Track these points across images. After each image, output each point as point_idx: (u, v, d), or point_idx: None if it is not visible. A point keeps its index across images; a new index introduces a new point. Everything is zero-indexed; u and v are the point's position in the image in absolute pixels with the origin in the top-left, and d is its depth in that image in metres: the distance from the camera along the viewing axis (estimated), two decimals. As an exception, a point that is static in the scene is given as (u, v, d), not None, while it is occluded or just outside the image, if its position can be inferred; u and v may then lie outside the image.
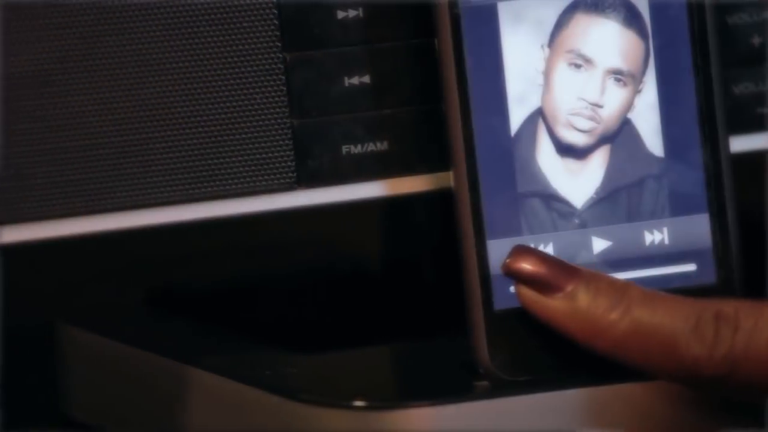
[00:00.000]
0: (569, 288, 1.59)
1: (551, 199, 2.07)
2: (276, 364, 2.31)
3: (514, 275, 1.69)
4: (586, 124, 2.08)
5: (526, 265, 1.69)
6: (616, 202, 2.06)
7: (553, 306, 1.52)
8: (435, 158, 2.35)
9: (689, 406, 1.92)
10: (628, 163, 2.09)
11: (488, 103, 2.04)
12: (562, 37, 2.08)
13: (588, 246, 2.06)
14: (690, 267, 2.06)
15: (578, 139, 2.10)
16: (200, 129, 2.28)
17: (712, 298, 1.58)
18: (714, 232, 2.00)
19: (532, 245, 2.02)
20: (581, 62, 2.08)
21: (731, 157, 2.11)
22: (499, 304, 1.97)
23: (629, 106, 2.11)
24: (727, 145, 2.10)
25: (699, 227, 1.99)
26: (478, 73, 2.04)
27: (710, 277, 2.02)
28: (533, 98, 2.07)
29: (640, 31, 2.09)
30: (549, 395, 1.96)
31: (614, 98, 2.09)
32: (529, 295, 1.68)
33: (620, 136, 2.09)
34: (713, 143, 2.03)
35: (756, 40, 2.48)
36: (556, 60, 2.08)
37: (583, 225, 2.05)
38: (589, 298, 1.57)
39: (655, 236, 2.11)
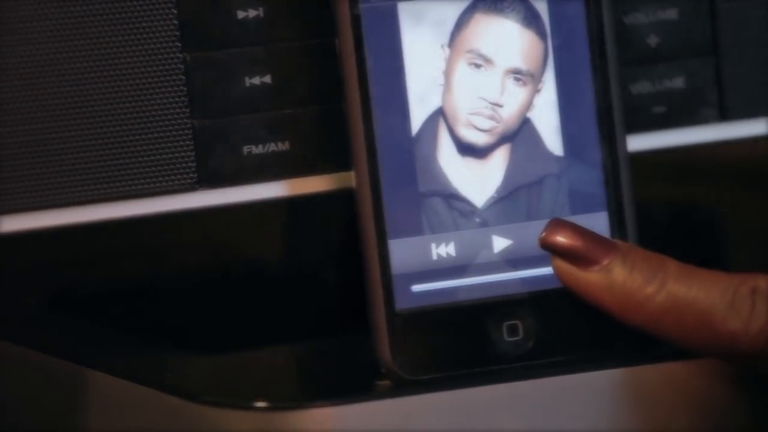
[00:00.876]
0: (605, 262, 1.57)
1: (452, 198, 2.07)
2: (177, 365, 2.29)
3: (550, 248, 1.69)
4: (486, 124, 2.09)
5: (562, 239, 1.67)
6: (516, 200, 2.08)
7: (588, 279, 1.52)
8: (336, 158, 2.35)
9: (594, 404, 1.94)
10: (528, 162, 2.10)
11: (389, 103, 2.04)
12: (462, 37, 2.09)
13: (489, 245, 2.07)
14: None
15: (479, 139, 2.11)
16: (100, 130, 2.25)
17: (749, 273, 1.60)
18: (612, 230, 2.03)
19: (433, 245, 2.03)
20: (481, 62, 2.09)
21: (629, 155, 2.14)
22: (401, 304, 1.98)
23: (529, 105, 2.13)
24: (624, 144, 2.12)
25: (598, 225, 2.01)
26: (378, 73, 2.05)
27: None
28: (434, 98, 2.07)
29: (539, 31, 2.10)
30: (450, 394, 1.97)
31: (514, 98, 2.11)
32: (565, 268, 1.66)
33: (520, 135, 2.10)
34: (611, 142, 2.05)
35: (652, 40, 2.52)
36: (456, 60, 2.09)
37: (484, 224, 2.06)
38: (625, 272, 1.55)
39: None
